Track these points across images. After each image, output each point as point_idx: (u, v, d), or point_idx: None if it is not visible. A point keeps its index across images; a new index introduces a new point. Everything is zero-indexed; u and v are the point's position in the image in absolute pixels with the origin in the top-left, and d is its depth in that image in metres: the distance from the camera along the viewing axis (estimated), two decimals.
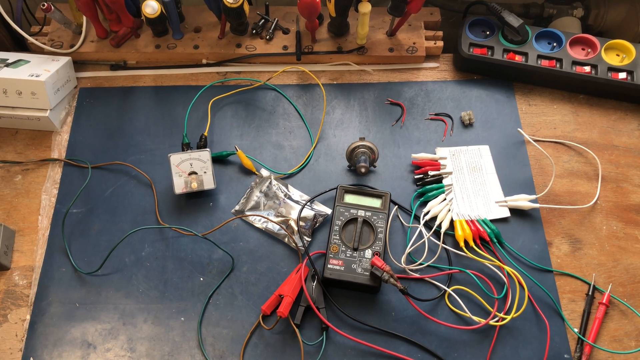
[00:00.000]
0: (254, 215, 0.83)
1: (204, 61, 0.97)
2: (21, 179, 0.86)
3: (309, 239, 0.81)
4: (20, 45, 1.03)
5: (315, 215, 0.82)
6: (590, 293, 0.78)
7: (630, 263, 0.81)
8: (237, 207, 0.84)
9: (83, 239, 0.81)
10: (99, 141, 0.90)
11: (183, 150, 0.85)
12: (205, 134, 0.88)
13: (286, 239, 0.81)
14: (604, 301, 0.77)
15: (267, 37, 0.97)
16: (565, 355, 0.74)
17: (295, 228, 0.81)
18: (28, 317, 0.76)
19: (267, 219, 0.82)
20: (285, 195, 0.84)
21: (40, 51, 0.96)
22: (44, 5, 0.87)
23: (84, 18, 0.95)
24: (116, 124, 0.91)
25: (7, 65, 0.88)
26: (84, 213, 0.84)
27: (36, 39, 0.95)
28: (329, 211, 0.83)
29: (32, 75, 0.85)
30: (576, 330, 0.76)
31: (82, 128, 0.91)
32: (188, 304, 0.77)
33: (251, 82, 0.96)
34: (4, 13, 0.90)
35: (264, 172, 0.87)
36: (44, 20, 0.98)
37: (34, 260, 0.80)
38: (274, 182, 0.85)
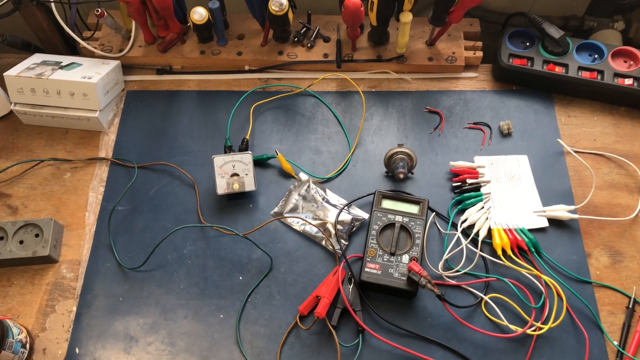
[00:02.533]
0: (292, 217, 0.84)
1: (247, 67, 1.00)
2: (70, 176, 0.90)
3: (346, 243, 0.82)
4: (73, 50, 1.07)
5: (352, 219, 0.83)
6: (630, 306, 0.77)
7: None
8: (276, 209, 0.86)
9: (127, 235, 0.84)
10: (144, 142, 0.93)
11: (225, 152, 0.88)
12: (247, 137, 0.90)
13: (323, 242, 0.82)
14: None
15: (309, 45, 1.00)
16: None
17: (333, 231, 0.82)
18: (74, 309, 0.79)
19: (305, 221, 0.83)
20: (323, 199, 0.85)
21: (91, 55, 1.00)
22: (97, 10, 0.91)
23: (133, 24, 1.00)
24: (161, 126, 0.95)
25: (61, 67, 0.92)
26: (129, 211, 0.86)
27: (88, 44, 0.99)
28: (366, 216, 0.84)
29: (84, 77, 0.89)
30: (616, 343, 0.75)
31: (128, 129, 0.95)
32: (227, 302, 0.79)
33: (291, 89, 0.98)
34: (60, 19, 0.95)
35: (303, 176, 0.88)
36: (96, 26, 1.02)
37: (80, 255, 0.83)
38: (312, 185, 0.86)
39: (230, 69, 1.01)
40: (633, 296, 0.78)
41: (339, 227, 0.83)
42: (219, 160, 0.85)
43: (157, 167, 0.90)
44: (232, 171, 0.84)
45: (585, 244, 0.82)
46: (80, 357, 0.75)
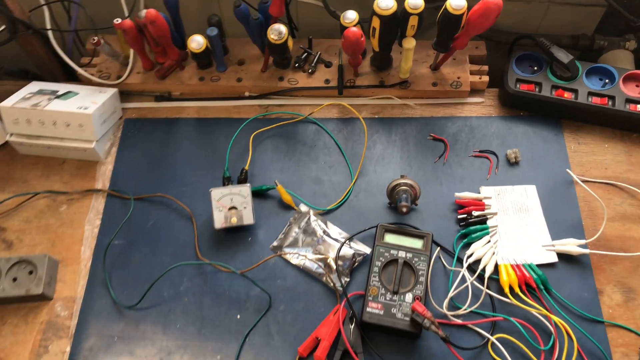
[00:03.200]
0: (291, 252, 0.82)
1: (247, 94, 0.98)
2: (66, 208, 0.88)
3: (348, 279, 0.80)
4: (70, 76, 1.06)
5: (354, 254, 0.80)
6: None
7: None
8: (275, 243, 0.84)
9: (123, 271, 0.82)
10: (141, 172, 0.91)
11: (224, 184, 0.86)
12: (246, 167, 0.88)
13: (324, 278, 0.80)
14: None
15: (310, 70, 0.97)
16: None
17: (334, 267, 0.80)
18: (68, 349, 0.77)
19: (305, 256, 0.81)
20: (324, 232, 0.83)
21: (89, 82, 0.98)
22: (94, 39, 0.89)
23: (131, 50, 0.98)
24: (159, 156, 0.93)
25: (58, 97, 0.90)
26: (125, 245, 0.84)
27: (85, 70, 0.98)
28: (368, 250, 0.81)
29: (80, 108, 0.87)
30: None
31: (126, 159, 0.93)
32: (224, 343, 0.76)
33: (293, 116, 0.96)
34: (57, 46, 0.93)
35: (303, 208, 0.86)
36: (94, 52, 1.00)
37: (75, 291, 0.81)
38: (313, 217, 0.84)
39: (230, 95, 0.99)
40: None
41: (339, 262, 0.80)
42: (216, 193, 0.82)
43: (155, 199, 0.88)
44: (230, 204, 0.82)
45: (596, 280, 0.79)
46: None
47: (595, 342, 0.74)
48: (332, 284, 0.79)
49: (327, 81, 0.97)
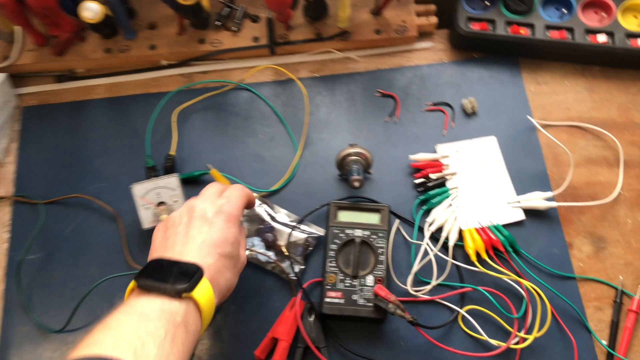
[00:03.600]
0: None
1: (164, 63, 0.84)
2: None
3: (303, 267, 0.72)
4: None
5: (306, 238, 0.72)
6: (617, 300, 0.70)
7: None
8: None
9: (45, 289, 0.72)
10: (51, 171, 0.78)
11: (148, 175, 0.74)
12: (172, 152, 0.76)
13: (276, 270, 0.72)
14: (633, 308, 0.69)
15: (234, 28, 0.84)
16: None
17: (286, 253, 0.71)
18: None
19: (251, 249, 0.72)
20: (271, 218, 0.74)
21: None
22: None
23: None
24: (69, 148, 0.80)
25: None
26: (43, 259, 0.73)
27: None
28: (322, 232, 0.73)
29: None
30: (604, 342, 0.68)
31: (30, 156, 0.79)
32: None
33: (221, 84, 0.83)
34: None
35: None
36: None
37: None
38: (257, 202, 0.74)
39: (144, 66, 0.85)
40: (620, 287, 0.71)
41: (291, 250, 0.72)
42: (139, 189, 0.71)
43: (70, 201, 0.76)
44: (157, 200, 0.71)
45: (565, 233, 0.74)
46: None
47: (568, 301, 0.70)
48: (285, 275, 0.71)
49: (255, 39, 0.84)
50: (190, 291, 0.49)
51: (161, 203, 0.71)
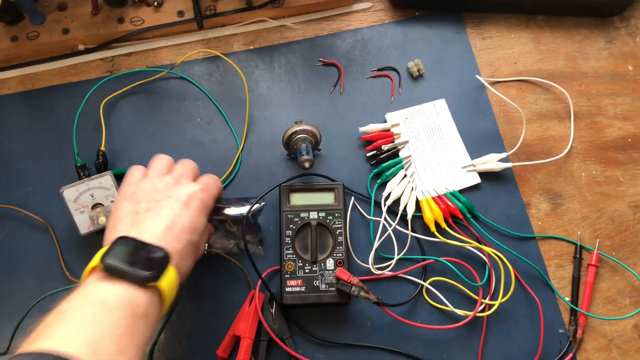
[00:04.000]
0: None
1: (81, 47, 0.76)
2: None
3: (261, 251, 0.66)
4: None
5: (248, 213, 0.62)
6: (577, 255, 0.70)
7: (614, 210, 0.73)
8: None
9: None
10: None
11: (79, 175, 0.68)
12: (103, 148, 0.70)
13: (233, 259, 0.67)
14: (592, 262, 0.70)
15: (155, 3, 0.76)
16: (560, 330, 0.68)
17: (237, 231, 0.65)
18: None
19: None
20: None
21: None
22: None
23: None
24: None
25: None
26: None
27: None
28: (261, 202, 0.64)
29: None
30: (567, 299, 0.69)
31: None
32: None
33: (150, 70, 0.76)
34: None
35: None
36: None
37: None
38: None
39: (59, 52, 0.76)
40: (578, 242, 0.71)
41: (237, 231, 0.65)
42: (70, 192, 0.65)
43: None
44: (92, 202, 0.65)
45: (522, 192, 0.73)
46: None
47: (530, 262, 0.69)
48: (238, 265, 0.67)
49: (180, 13, 0.76)
50: (157, 280, 0.47)
51: (97, 205, 0.65)
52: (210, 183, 0.58)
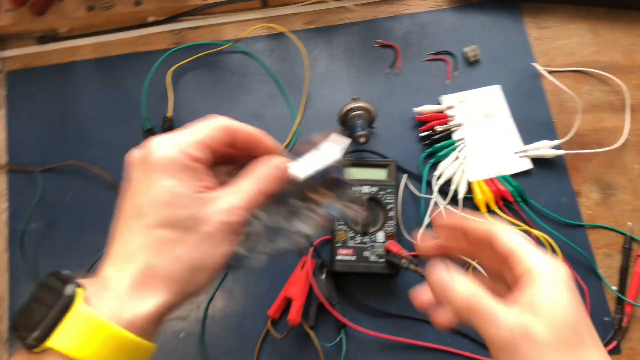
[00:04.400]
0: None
1: (151, 19, 0.80)
2: None
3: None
4: None
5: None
6: (627, 245, 0.71)
7: None
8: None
9: (51, 258, 0.70)
10: (44, 136, 0.75)
11: (145, 138, 0.71)
12: (169, 114, 0.73)
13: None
14: None
15: None
16: (605, 318, 0.68)
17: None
18: (5, 356, 0.66)
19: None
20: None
21: None
22: None
23: None
24: (61, 112, 0.76)
25: None
26: (45, 227, 0.71)
27: None
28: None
29: None
30: (614, 288, 0.69)
31: (21, 122, 0.76)
32: (185, 315, 0.67)
33: (214, 44, 0.79)
34: None
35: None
36: None
37: None
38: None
39: (130, 23, 0.80)
40: (629, 233, 0.71)
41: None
42: None
43: (67, 169, 0.73)
44: None
45: (573, 181, 0.74)
46: None
47: (578, 248, 0.70)
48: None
49: None
50: (42, 341, 0.29)
51: None
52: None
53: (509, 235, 0.36)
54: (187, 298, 0.33)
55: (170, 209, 0.33)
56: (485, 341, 0.34)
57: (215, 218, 0.33)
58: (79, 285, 0.30)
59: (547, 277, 0.34)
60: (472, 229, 0.38)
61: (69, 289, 0.30)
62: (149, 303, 0.30)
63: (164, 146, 0.34)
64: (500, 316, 0.33)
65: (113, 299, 0.30)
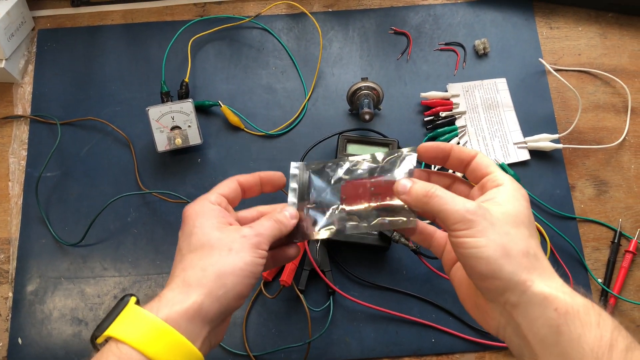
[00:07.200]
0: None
1: None
2: None
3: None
4: None
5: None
6: (615, 240, 0.72)
7: None
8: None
9: (61, 205, 0.74)
10: (67, 92, 0.79)
11: (162, 100, 0.75)
12: (187, 80, 0.77)
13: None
14: (630, 249, 0.72)
15: None
16: None
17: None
18: (10, 294, 0.70)
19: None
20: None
21: None
22: None
23: None
24: (85, 71, 0.81)
25: None
26: (59, 176, 0.75)
27: None
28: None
29: None
30: (600, 280, 0.71)
31: (47, 78, 0.80)
32: None
33: (235, 17, 0.83)
34: None
35: (293, 170, 0.53)
36: None
37: (9, 232, 0.73)
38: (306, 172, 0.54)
39: None
40: (619, 229, 0.73)
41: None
42: (154, 112, 0.73)
43: (86, 123, 0.78)
44: (172, 124, 0.73)
45: (569, 175, 0.76)
46: (24, 348, 0.68)
47: (567, 239, 0.72)
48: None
49: None
50: (104, 330, 0.38)
51: (175, 127, 0.73)
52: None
53: (488, 158, 0.44)
54: (221, 301, 0.40)
55: (195, 236, 0.43)
56: (440, 221, 0.40)
57: (236, 235, 0.42)
58: (132, 295, 0.40)
59: (509, 187, 0.41)
60: (459, 150, 0.44)
61: (126, 298, 0.40)
62: (184, 303, 0.39)
63: (197, 202, 0.46)
64: (458, 199, 0.39)
65: (157, 304, 0.39)
